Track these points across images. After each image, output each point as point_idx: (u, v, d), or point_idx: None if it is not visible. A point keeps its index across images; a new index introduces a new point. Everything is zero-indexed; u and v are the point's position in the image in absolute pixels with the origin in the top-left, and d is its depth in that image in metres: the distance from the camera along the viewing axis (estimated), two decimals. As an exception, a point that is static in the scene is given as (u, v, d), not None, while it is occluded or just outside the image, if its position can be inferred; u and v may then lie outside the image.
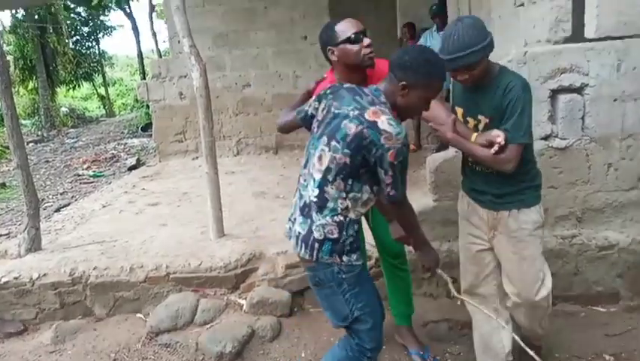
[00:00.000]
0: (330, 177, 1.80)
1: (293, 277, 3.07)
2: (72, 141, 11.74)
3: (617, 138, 2.90)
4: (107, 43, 71.36)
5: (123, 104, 18.96)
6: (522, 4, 3.22)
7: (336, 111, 1.83)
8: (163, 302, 3.05)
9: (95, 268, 3.18)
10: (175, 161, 6.76)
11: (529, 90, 1.99)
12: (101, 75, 18.67)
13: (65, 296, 3.17)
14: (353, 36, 2.09)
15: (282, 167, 6.06)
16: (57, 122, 14.14)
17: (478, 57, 1.91)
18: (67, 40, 15.18)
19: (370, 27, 2.25)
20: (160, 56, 11.99)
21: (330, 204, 1.81)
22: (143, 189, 5.39)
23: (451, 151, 3.10)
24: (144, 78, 12.34)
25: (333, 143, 1.78)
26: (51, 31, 14.33)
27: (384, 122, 1.71)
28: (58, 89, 16.80)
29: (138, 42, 14.58)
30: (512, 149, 1.95)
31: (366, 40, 2.11)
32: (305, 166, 1.93)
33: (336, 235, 1.82)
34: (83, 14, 16.99)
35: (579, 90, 2.81)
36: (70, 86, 17.52)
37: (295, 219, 1.93)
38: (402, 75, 1.79)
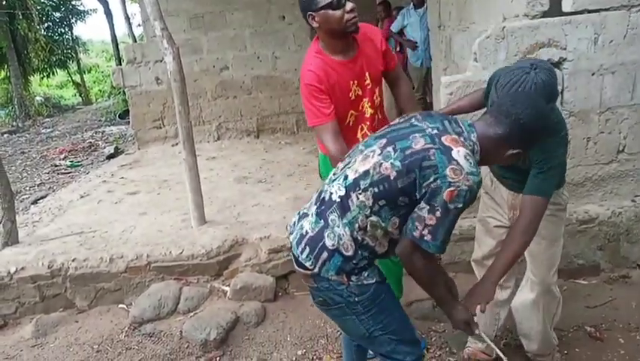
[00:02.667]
0: (362, 184, 1.48)
1: (276, 261, 3.05)
2: (48, 130, 11.47)
3: (595, 111, 2.91)
4: (80, 29, 69.71)
5: (100, 91, 18.52)
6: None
7: (415, 123, 1.54)
8: (145, 292, 3.01)
9: (74, 260, 3.11)
10: (154, 148, 6.64)
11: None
12: (75, 62, 18.20)
13: (45, 289, 3.10)
14: (335, 0, 1.95)
15: (264, 151, 5.99)
16: (32, 111, 13.79)
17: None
18: (38, 27, 14.72)
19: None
20: (135, 41, 11.71)
21: (350, 215, 1.51)
22: (122, 177, 5.29)
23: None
24: (120, 64, 12.05)
25: (389, 149, 1.47)
26: (20, 17, 13.87)
27: (461, 153, 1.40)
28: (31, 78, 16.36)
29: (112, 27, 14.19)
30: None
31: (349, 5, 1.98)
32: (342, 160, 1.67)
33: (350, 253, 1.52)
34: (54, -1, 16.49)
35: (557, 65, 2.79)
36: (44, 74, 17.05)
37: (305, 214, 1.64)
38: (522, 140, 1.51)
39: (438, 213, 1.40)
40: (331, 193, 1.56)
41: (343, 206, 1.52)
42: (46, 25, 16.43)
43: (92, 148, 8.65)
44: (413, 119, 1.57)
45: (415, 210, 1.44)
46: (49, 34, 16.56)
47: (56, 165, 7.67)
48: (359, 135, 2.18)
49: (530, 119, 1.49)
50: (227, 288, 3.00)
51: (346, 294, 1.56)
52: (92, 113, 13.57)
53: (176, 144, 6.59)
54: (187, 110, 3.30)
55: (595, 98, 2.88)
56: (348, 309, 1.58)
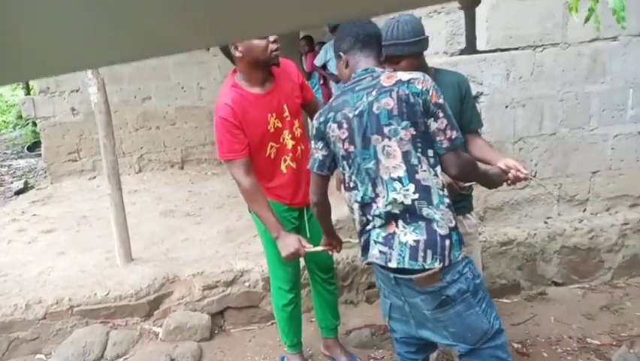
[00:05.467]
0: (414, 161, 1.56)
1: (211, 298, 2.95)
2: (-57, 164, 10.42)
3: (510, 141, 3.16)
4: (-21, 55, 65.16)
5: (4, 121, 17.16)
6: (420, 18, 3.41)
7: (356, 112, 1.62)
8: (67, 339, 2.78)
9: (-18, 309, 2.82)
10: (69, 182, 6.24)
11: None
12: (-26, 90, 16.82)
13: (-53, 344, 2.78)
14: None
15: (189, 182, 5.84)
16: None
17: (422, 47, 2.01)
18: None
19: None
20: (45, 69, 11.06)
21: (434, 190, 1.57)
22: (35, 215, 4.90)
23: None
24: (28, 93, 11.33)
25: (387, 130, 1.57)
26: None
27: (404, 74, 1.59)
28: None
29: (18, 54, 13.36)
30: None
31: (273, 36, 2.02)
32: (363, 188, 1.65)
33: (454, 222, 1.58)
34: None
35: (476, 98, 3.01)
36: (-63, 103, 15.60)
37: (390, 235, 1.60)
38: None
39: (441, 113, 1.56)
40: (402, 202, 1.57)
41: (423, 194, 1.56)
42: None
43: (-3, 183, 7.96)
44: (348, 115, 1.63)
45: (429, 132, 1.57)
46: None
47: (-46, 203, 6.96)
48: (282, 167, 2.22)
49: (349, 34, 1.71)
50: (159, 329, 2.85)
51: (470, 276, 1.57)
52: (-6, 146, 12.53)
53: (94, 177, 6.27)
54: (112, 143, 3.17)
55: (509, 128, 3.13)
56: (472, 298, 1.57)
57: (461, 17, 2.99)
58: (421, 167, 1.56)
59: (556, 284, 3.28)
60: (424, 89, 1.54)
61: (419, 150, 1.56)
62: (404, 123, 1.55)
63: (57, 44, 0.32)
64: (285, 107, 2.17)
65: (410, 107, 1.54)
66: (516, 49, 3.01)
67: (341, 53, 1.72)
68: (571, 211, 3.34)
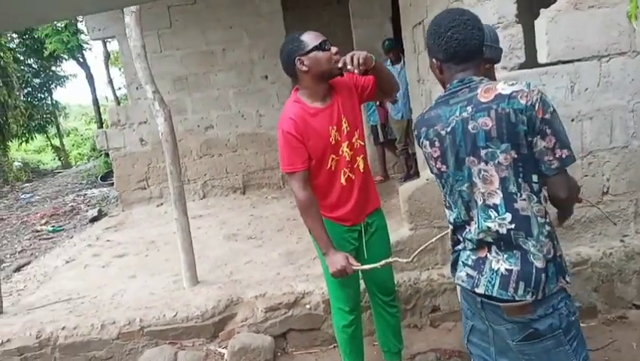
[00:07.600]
0: (512, 189, 1.42)
1: (274, 320, 2.99)
2: (27, 195, 11.27)
3: (578, 156, 3.01)
4: (58, 93, 70.67)
5: (79, 154, 18.46)
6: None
7: (448, 129, 1.48)
8: (139, 358, 2.90)
9: (63, 328, 3.00)
10: (139, 209, 6.58)
11: None
12: (54, 126, 18.21)
13: (32, 361, 2.97)
14: (321, 44, 2.11)
15: (251, 207, 5.99)
16: (10, 177, 13.60)
17: (500, 55, 2.08)
18: (17, 93, 14.78)
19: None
20: (118, 103, 11.84)
21: (533, 220, 1.43)
22: (108, 240, 5.20)
23: (422, 180, 3.15)
24: (101, 126, 12.12)
25: (483, 153, 1.43)
26: (0, 84, 13.95)
27: (505, 87, 1.41)
28: (9, 143, 16.24)
29: (94, 90, 14.33)
30: None
31: (334, 48, 2.12)
32: (456, 210, 1.54)
33: (552, 252, 1.44)
34: (34, 66, 16.65)
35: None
36: (23, 139, 16.97)
37: (480, 260, 1.50)
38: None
39: (548, 130, 1.38)
40: (496, 231, 1.45)
41: (521, 224, 1.43)
42: (25, 91, 16.52)
43: (74, 212, 8.50)
44: (441, 132, 1.49)
45: (535, 153, 1.40)
46: (29, 99, 16.62)
47: (37, 231, 7.49)
48: (342, 180, 2.23)
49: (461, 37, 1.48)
50: (224, 350, 2.91)
51: (565, 312, 1.45)
52: (72, 177, 13.43)
53: (161, 204, 6.58)
54: (179, 170, 3.33)
55: (576, 143, 2.99)
56: (564, 336, 1.45)
57: (519, 31, 2.93)
58: (521, 195, 1.42)
59: (638, 307, 3.05)
60: (529, 103, 1.36)
61: (520, 175, 1.41)
62: (504, 146, 1.39)
63: None
64: (343, 119, 2.22)
65: (511, 127, 1.37)
66: (579, 60, 2.90)
67: (434, 60, 1.55)
68: (650, 228, 3.12)
